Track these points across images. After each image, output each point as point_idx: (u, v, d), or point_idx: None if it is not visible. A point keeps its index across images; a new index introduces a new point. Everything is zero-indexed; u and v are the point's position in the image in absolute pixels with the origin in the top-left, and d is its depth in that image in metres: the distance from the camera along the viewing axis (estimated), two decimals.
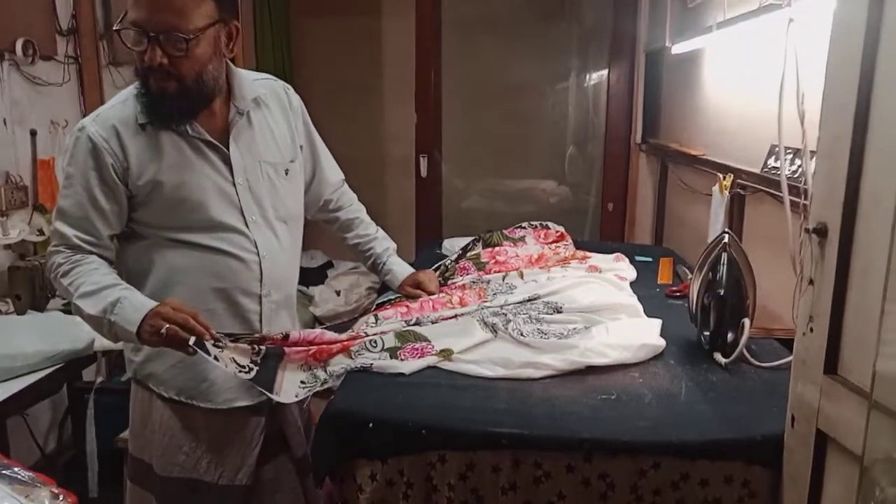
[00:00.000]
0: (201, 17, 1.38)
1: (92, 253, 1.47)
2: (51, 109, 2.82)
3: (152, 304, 1.40)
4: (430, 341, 1.57)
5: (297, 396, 1.46)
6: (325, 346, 1.55)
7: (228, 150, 1.52)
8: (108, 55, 3.06)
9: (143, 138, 1.46)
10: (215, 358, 1.38)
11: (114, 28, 1.44)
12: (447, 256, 2.30)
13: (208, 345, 1.38)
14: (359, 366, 1.50)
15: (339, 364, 1.52)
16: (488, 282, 1.98)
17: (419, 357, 1.53)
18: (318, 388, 1.48)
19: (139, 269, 1.52)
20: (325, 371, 1.51)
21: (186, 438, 1.54)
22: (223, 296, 1.54)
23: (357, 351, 1.55)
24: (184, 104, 1.44)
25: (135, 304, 1.40)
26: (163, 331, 1.35)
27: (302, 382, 1.48)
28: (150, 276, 1.51)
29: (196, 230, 1.50)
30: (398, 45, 4.03)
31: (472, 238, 2.37)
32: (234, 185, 1.52)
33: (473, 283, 2.00)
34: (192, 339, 1.35)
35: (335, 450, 1.33)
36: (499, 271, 2.07)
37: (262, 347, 1.49)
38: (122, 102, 1.49)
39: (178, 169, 1.47)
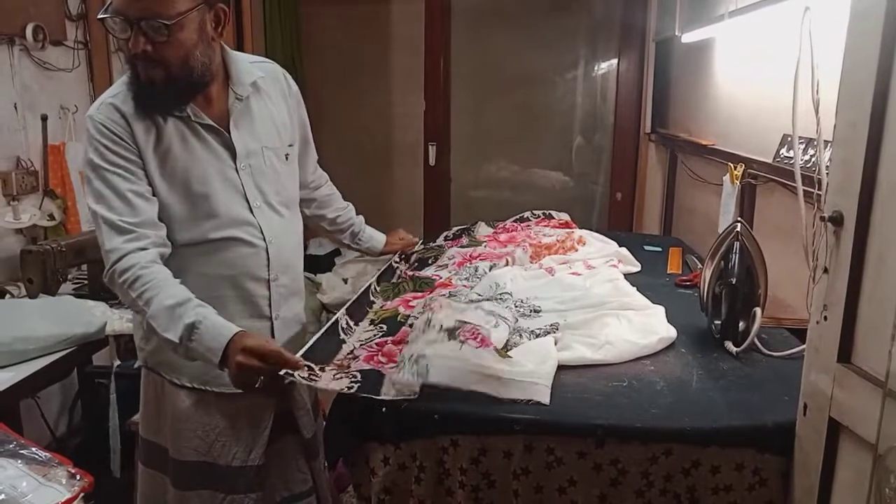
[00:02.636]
0: (182, 1, 1.35)
1: (143, 237, 1.39)
2: (61, 95, 2.83)
3: (229, 328, 1.33)
4: None
5: (418, 376, 1.31)
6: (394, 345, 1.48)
7: (230, 135, 1.51)
8: (117, 41, 3.06)
9: (147, 122, 1.44)
10: (311, 380, 1.30)
11: (97, 17, 1.40)
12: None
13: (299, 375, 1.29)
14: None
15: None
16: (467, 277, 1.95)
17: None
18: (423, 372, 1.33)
19: None
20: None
21: (200, 422, 1.55)
22: (232, 283, 1.54)
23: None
24: (172, 92, 1.41)
25: (212, 331, 1.33)
26: (258, 385, 1.29)
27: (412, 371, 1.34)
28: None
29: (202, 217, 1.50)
30: (407, 33, 4.01)
31: (464, 227, 2.51)
32: (237, 170, 1.52)
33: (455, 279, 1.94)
34: (287, 379, 1.28)
35: (348, 434, 1.34)
36: (498, 245, 2.10)
37: (353, 369, 1.37)
38: (124, 86, 1.46)
39: (182, 155, 1.46)
